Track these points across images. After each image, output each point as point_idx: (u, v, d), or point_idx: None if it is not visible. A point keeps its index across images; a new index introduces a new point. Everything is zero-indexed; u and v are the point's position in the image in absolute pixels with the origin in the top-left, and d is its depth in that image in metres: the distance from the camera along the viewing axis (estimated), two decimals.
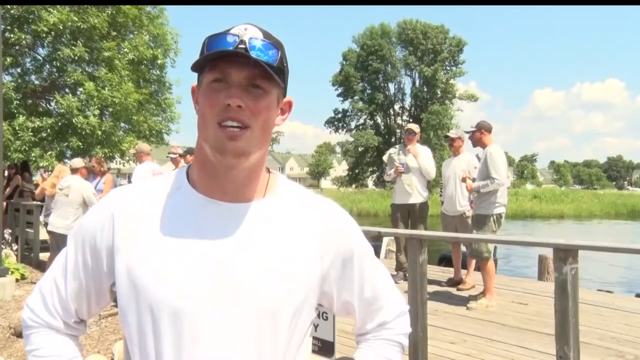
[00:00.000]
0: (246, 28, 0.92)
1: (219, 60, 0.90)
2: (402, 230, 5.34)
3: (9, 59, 11.93)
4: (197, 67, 0.94)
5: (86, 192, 6.85)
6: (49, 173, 9.75)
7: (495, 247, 5.46)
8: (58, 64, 12.69)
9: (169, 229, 0.94)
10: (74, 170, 7.07)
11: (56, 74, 13.34)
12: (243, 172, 0.96)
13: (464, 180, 5.61)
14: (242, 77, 0.91)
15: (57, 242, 6.73)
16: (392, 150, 6.64)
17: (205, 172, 0.97)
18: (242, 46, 0.89)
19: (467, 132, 5.74)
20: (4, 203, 9.34)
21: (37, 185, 11.07)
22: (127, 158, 14.75)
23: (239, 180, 0.96)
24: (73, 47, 12.36)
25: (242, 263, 0.93)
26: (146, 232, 0.94)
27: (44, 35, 12.11)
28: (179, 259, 0.92)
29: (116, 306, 1.00)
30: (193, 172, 1.01)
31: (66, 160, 11.92)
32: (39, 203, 9.03)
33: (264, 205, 0.99)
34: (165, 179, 1.03)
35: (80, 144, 12.50)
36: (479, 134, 5.49)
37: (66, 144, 12.58)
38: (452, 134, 6.31)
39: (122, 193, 1.01)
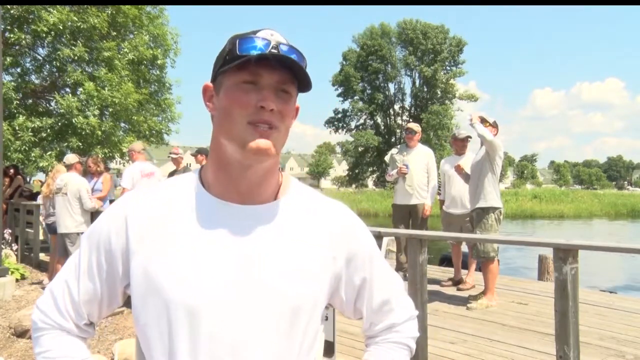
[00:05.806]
0: (272, 34, 0.94)
1: (249, 61, 0.91)
2: (402, 230, 5.33)
3: (9, 59, 11.92)
4: (230, 67, 0.93)
5: (81, 191, 6.73)
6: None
7: (497, 247, 5.44)
8: (58, 64, 12.68)
9: (184, 231, 0.95)
10: (68, 167, 6.97)
11: (56, 74, 13.34)
12: (259, 172, 0.96)
13: (471, 122, 5.19)
14: (273, 81, 0.92)
15: (65, 242, 6.66)
16: (393, 151, 6.63)
17: (221, 173, 0.98)
18: (275, 50, 0.91)
19: (473, 125, 5.29)
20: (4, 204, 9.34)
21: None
22: (127, 158, 14.73)
23: (254, 181, 0.97)
24: (73, 47, 12.35)
25: (258, 262, 0.94)
26: (161, 235, 0.95)
27: (44, 35, 12.10)
28: (195, 260, 0.93)
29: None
30: (207, 173, 1.01)
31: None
32: (38, 203, 9.03)
33: (278, 207, 1.00)
34: (178, 181, 1.03)
35: (80, 144, 12.49)
36: (495, 133, 5.43)
37: (66, 144, 12.58)
38: (459, 134, 6.26)
39: (135, 196, 1.02)
